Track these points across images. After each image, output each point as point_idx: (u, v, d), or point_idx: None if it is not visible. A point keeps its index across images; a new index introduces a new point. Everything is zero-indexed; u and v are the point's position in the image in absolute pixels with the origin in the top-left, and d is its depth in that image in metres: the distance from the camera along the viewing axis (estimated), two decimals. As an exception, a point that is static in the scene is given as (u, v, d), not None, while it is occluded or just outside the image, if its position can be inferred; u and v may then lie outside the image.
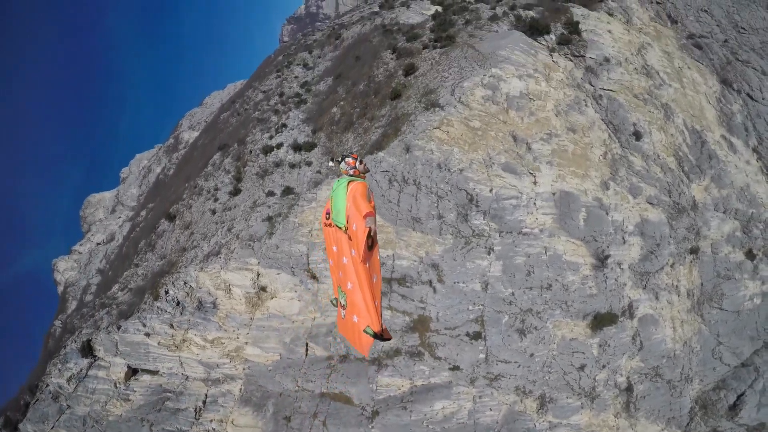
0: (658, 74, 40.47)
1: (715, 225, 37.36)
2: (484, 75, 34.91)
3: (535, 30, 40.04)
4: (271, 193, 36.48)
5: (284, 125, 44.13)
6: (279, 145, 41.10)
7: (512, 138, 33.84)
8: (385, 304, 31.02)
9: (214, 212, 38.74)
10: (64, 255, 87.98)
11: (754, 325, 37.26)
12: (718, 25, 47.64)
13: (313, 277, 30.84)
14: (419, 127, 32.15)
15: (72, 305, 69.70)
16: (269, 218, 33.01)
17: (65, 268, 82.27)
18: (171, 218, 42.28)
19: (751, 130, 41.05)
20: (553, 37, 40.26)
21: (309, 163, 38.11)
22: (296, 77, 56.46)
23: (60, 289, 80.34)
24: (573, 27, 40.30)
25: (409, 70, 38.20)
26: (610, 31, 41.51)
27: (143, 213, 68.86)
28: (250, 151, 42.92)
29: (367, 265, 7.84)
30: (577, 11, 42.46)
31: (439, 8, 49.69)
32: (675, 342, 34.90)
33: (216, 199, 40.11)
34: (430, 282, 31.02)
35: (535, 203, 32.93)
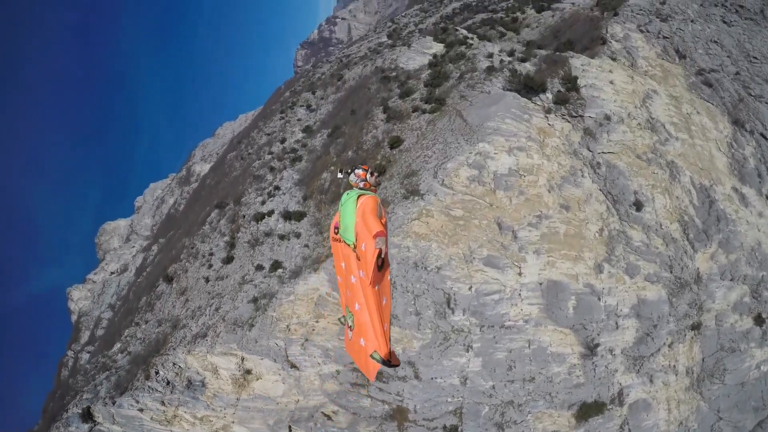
0: (664, 127, 38.71)
1: (721, 295, 36.02)
2: (470, 153, 33.93)
3: (530, 89, 38.24)
4: (260, 267, 37.03)
5: (277, 188, 44.80)
6: (270, 213, 41.68)
7: (497, 225, 32.97)
8: (364, 392, 31.28)
9: (207, 280, 39.57)
10: (79, 284, 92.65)
11: (759, 394, 36.17)
12: (728, 56, 45.04)
13: (293, 366, 31.23)
14: (396, 222, 31.69)
15: (85, 335, 73.27)
16: (254, 299, 33.60)
17: (79, 297, 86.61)
18: (169, 280, 43.50)
19: (764, 175, 39.23)
20: (550, 96, 38.43)
21: (298, 235, 38.31)
22: (299, 120, 58.61)
23: (74, 318, 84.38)
24: (571, 83, 38.46)
25: (395, 143, 37.49)
26: (612, 82, 39.67)
27: (154, 248, 73.10)
28: (244, 216, 43.75)
29: (377, 287, 7.54)
30: (577, 62, 40.66)
31: (441, 48, 49.61)
32: (669, 424, 34.22)
33: (210, 266, 40.93)
34: (405, 378, 30.96)
35: (519, 294, 32.25)
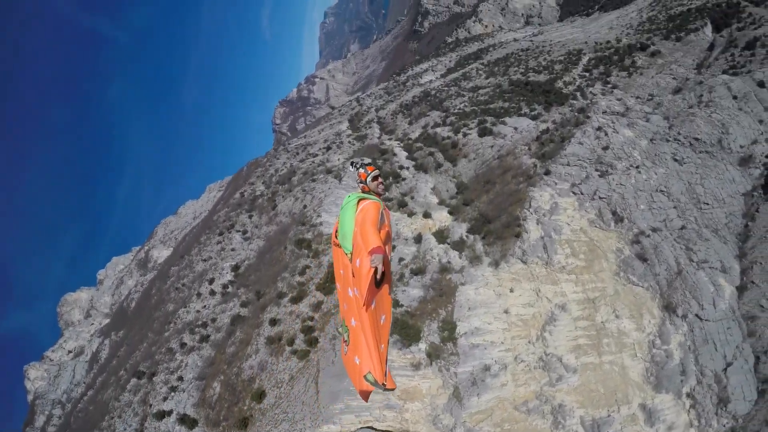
0: (561, 361, 35.37)
1: None
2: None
3: (405, 338, 34.63)
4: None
5: (181, 378, 44.10)
6: (169, 412, 40.87)
7: None
8: None
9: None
10: (36, 362, 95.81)
11: None
12: (675, 207, 42.71)
13: None
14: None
15: (40, 419, 78.83)
16: None
17: (35, 377, 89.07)
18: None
19: (690, 369, 35.44)
20: (424, 346, 34.59)
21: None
22: (233, 250, 60.64)
23: (30, 397, 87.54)
24: (450, 331, 35.25)
25: (257, 397, 36.26)
26: (507, 311, 36.84)
27: (107, 342, 78.35)
28: (150, 405, 43.43)
29: (373, 305, 6.88)
30: (470, 291, 37.78)
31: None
32: None
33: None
34: None
35: None
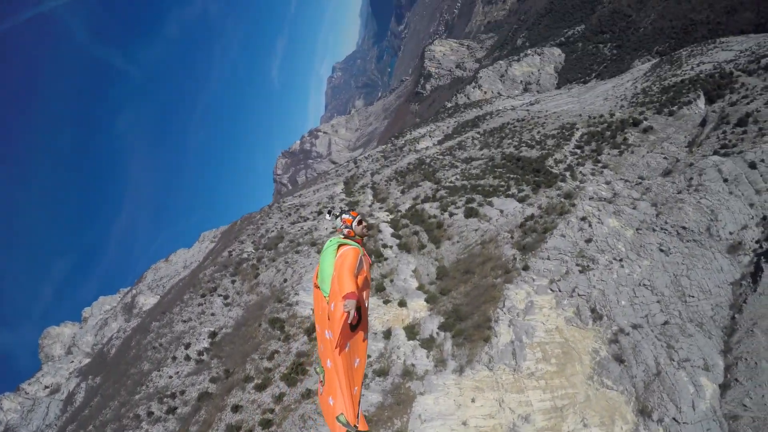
0: None
1: None
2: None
3: None
4: None
5: None
6: None
7: None
8: None
9: None
10: (10, 392, 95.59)
11: None
12: (658, 301, 41.52)
13: None
14: None
15: None
16: None
17: (9, 408, 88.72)
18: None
19: None
20: None
21: None
22: (212, 314, 60.41)
23: (1, 428, 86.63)
24: None
25: None
26: (465, 423, 35.06)
27: (83, 386, 77.34)
28: None
29: (347, 349, 6.96)
30: (429, 402, 36.36)
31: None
32: None
33: None
34: None
35: None
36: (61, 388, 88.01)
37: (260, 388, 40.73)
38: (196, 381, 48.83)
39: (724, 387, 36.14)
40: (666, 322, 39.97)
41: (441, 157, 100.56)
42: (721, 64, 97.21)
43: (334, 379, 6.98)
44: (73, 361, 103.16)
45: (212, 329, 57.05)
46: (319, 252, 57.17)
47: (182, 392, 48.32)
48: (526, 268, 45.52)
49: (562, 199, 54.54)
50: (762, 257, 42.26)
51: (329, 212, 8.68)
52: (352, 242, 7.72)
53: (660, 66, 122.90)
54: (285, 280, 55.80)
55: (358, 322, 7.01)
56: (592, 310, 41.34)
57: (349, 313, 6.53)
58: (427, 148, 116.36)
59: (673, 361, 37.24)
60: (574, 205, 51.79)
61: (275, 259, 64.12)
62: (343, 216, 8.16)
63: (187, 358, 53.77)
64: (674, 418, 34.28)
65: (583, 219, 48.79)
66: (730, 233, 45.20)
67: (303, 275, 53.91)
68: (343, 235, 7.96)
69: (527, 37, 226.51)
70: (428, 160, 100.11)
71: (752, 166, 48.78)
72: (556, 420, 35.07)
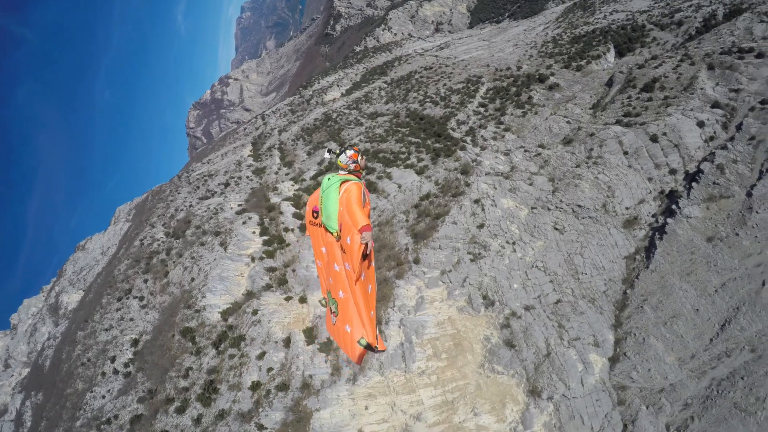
0: None
1: None
2: None
3: None
4: None
5: None
6: None
7: None
8: None
9: None
10: None
11: None
12: (551, 281, 42.52)
13: None
14: None
15: None
16: None
17: None
18: None
19: None
20: None
21: None
22: (131, 320, 59.15)
23: None
24: None
25: None
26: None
27: (28, 404, 75.37)
28: None
29: (362, 277, 7.70)
30: (324, 417, 36.85)
31: (259, 248, 52.29)
32: None
33: None
34: None
35: None
36: (8, 408, 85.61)
37: (180, 411, 40.68)
38: (126, 402, 47.84)
39: (613, 360, 37.99)
40: (558, 301, 41.18)
41: (347, 111, 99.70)
42: (634, 15, 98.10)
43: (349, 308, 7.78)
44: (13, 375, 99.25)
45: (134, 336, 56.41)
46: (222, 245, 58.13)
47: (116, 416, 47.27)
48: (417, 261, 45.25)
49: (459, 175, 53.83)
50: (656, 233, 43.46)
51: (329, 151, 8.97)
52: (353, 177, 8.17)
53: (573, 11, 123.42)
54: (192, 279, 55.13)
55: (368, 254, 7.57)
56: (484, 297, 41.89)
57: (366, 244, 7.28)
58: (334, 100, 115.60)
59: (563, 340, 38.67)
60: (468, 184, 51.31)
61: (182, 254, 63.02)
62: (348, 152, 8.43)
63: (115, 372, 52.89)
64: (563, 395, 36.08)
65: (477, 201, 48.58)
66: (627, 208, 46.08)
67: (209, 272, 53.30)
68: (349, 170, 8.35)
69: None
70: (335, 115, 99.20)
71: (654, 139, 49.17)
72: (448, 413, 36.07)
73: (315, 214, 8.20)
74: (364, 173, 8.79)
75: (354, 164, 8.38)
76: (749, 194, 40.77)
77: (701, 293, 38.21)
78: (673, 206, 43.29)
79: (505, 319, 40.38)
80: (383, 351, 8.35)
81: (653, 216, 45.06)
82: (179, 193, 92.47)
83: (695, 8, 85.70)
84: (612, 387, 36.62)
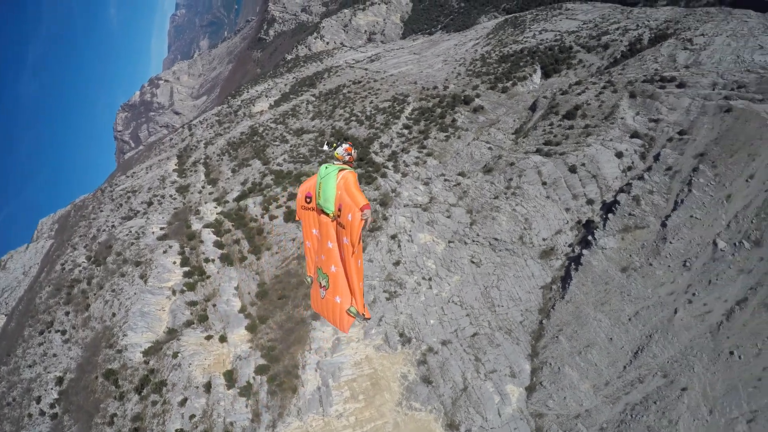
0: None
1: None
2: None
3: None
4: None
5: None
6: None
7: None
8: None
9: None
10: None
11: None
12: (468, 314, 43.20)
13: None
14: None
15: None
16: None
17: None
18: None
19: None
20: None
21: None
22: (54, 356, 57.90)
23: None
24: None
25: None
26: None
27: None
28: None
29: (355, 252, 8.58)
30: None
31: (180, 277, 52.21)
32: None
33: None
34: None
35: None
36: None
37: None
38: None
39: (530, 389, 38.98)
40: (475, 334, 41.83)
41: (274, 126, 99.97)
42: (563, 35, 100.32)
43: (339, 281, 8.82)
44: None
45: (58, 374, 55.07)
46: (142, 278, 57.57)
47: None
48: None
49: (378, 207, 53.93)
50: (572, 263, 44.27)
51: (327, 144, 9.63)
52: (349, 167, 9.09)
53: (504, 27, 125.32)
54: (113, 315, 54.39)
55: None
56: (401, 335, 42.43)
57: (366, 220, 8.10)
58: (261, 113, 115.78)
59: (480, 373, 39.41)
60: (386, 218, 51.65)
61: (103, 285, 61.47)
62: (344, 146, 9.33)
63: (42, 413, 52.01)
64: (481, 426, 37.03)
65: (394, 237, 49.09)
66: (544, 239, 46.96)
67: (130, 308, 52.91)
68: (344, 161, 9.23)
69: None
70: (261, 130, 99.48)
71: (572, 170, 50.21)
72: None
73: (308, 199, 9.31)
74: (355, 164, 9.92)
75: (348, 156, 9.36)
76: (664, 224, 42.18)
77: (615, 322, 39.47)
78: (589, 237, 44.49)
79: (422, 355, 40.87)
80: (369, 319, 9.51)
81: (570, 246, 46.15)
82: (102, 211, 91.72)
83: (622, 31, 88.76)
84: (530, 415, 37.51)
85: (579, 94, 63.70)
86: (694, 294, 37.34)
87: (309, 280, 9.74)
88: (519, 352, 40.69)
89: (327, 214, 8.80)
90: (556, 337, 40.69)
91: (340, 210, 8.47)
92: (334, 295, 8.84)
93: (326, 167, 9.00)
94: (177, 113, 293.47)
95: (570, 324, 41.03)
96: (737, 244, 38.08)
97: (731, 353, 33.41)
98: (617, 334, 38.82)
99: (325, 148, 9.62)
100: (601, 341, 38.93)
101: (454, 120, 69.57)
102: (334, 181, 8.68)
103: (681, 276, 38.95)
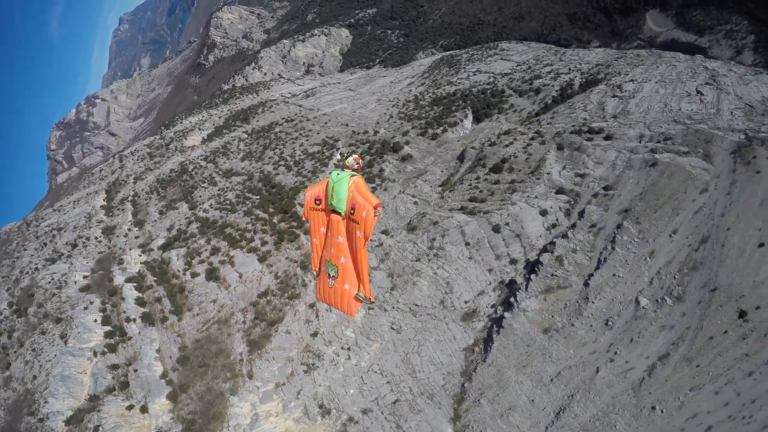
0: None
1: None
2: None
3: None
4: None
5: None
6: None
7: None
8: None
9: None
10: None
11: None
12: (388, 382, 43.05)
13: None
14: None
15: None
16: None
17: None
18: None
19: None
20: None
21: None
22: None
23: None
24: None
25: None
26: None
27: None
28: None
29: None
30: None
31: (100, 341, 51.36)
32: None
33: None
34: None
35: None
36: None
37: None
38: None
39: None
40: (396, 401, 41.82)
41: (204, 164, 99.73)
42: (496, 77, 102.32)
43: (349, 271, 10.00)
44: None
45: None
46: (62, 338, 55.53)
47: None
48: (251, 375, 45.36)
49: (298, 270, 54.04)
50: (494, 325, 44.66)
51: (341, 155, 13.91)
52: (359, 174, 10.23)
53: (439, 67, 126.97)
54: (34, 377, 52.27)
55: None
56: (320, 406, 42.30)
57: (378, 216, 9.37)
58: (193, 148, 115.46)
59: None
60: (306, 284, 51.89)
61: (23, 342, 58.99)
62: (354, 156, 10.57)
63: None
64: None
65: (312, 306, 49.34)
66: (465, 302, 47.42)
67: (50, 371, 50.78)
68: (353, 169, 10.33)
69: (318, 13, 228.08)
70: (191, 168, 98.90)
71: (496, 229, 50.94)
72: None
73: (317, 202, 10.19)
74: (362, 171, 11.07)
75: (357, 165, 10.46)
76: (587, 284, 43.06)
77: (537, 384, 39.98)
78: (512, 299, 45.14)
79: (342, 425, 40.87)
80: (373, 302, 11.14)
81: (492, 306, 46.71)
82: (26, 249, 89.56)
83: (554, 75, 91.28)
84: (453, 481, 37.93)
85: (507, 145, 64.56)
86: (616, 352, 38.10)
87: (315, 273, 10.79)
88: (441, 417, 40.85)
89: (338, 213, 9.79)
90: (478, 400, 40.87)
91: (353, 209, 9.48)
92: (343, 284, 9.92)
93: (338, 173, 10.00)
94: (113, 134, 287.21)
95: (492, 387, 41.30)
96: (660, 300, 39.10)
97: (653, 408, 34.16)
98: (539, 395, 39.32)
99: (339, 157, 13.37)
100: (523, 403, 39.43)
101: (381, 170, 70.18)
102: (346, 185, 9.70)
103: (603, 335, 39.75)
